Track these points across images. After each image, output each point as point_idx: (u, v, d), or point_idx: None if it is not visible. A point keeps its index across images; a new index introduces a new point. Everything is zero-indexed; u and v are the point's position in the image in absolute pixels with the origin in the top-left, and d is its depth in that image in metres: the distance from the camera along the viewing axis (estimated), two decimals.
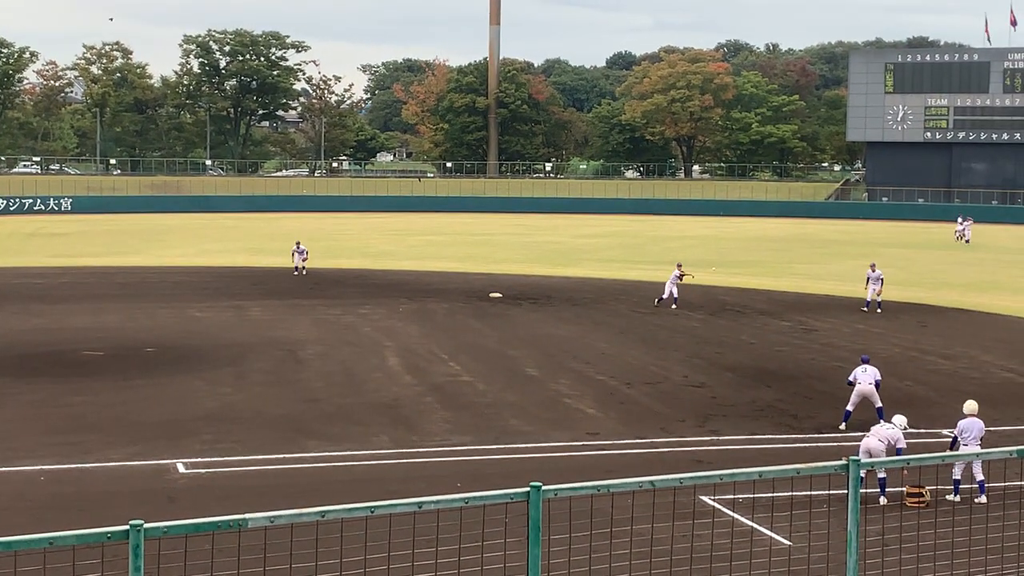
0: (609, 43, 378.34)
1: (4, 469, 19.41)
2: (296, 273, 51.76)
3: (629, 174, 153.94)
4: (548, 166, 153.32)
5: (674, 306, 42.27)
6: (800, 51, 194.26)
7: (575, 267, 58.28)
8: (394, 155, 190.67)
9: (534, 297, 45.53)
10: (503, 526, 9.47)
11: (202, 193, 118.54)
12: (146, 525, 6.93)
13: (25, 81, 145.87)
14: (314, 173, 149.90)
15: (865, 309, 42.19)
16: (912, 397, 26.51)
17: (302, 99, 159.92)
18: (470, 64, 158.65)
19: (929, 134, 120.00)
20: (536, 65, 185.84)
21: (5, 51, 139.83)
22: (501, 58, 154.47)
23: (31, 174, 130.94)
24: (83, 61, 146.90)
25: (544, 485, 7.97)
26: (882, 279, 42.59)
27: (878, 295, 42.49)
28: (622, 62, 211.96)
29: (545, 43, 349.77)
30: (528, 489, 7.91)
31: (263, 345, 33.01)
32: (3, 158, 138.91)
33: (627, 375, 29.15)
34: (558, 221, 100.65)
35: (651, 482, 8.70)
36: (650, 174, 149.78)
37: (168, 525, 7.13)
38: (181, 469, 19.64)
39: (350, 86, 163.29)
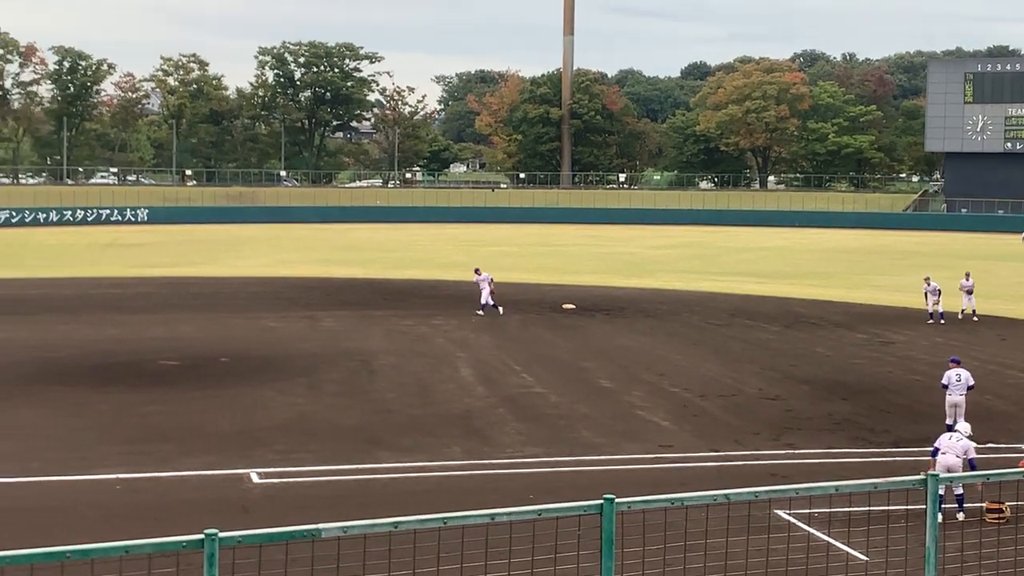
0: (684, 53, 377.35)
1: (81, 477, 19.64)
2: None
3: (703, 185, 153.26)
4: (621, 177, 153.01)
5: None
6: (877, 61, 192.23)
7: (648, 278, 58.00)
8: (467, 166, 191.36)
9: (607, 308, 45.36)
10: (576, 539, 9.38)
11: (276, 204, 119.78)
12: (221, 534, 6.94)
13: (103, 93, 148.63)
14: (387, 184, 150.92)
15: (943, 322, 41.67)
16: (992, 411, 26.02)
17: (376, 110, 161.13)
18: (543, 75, 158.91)
19: (1009, 144, 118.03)
20: (610, 76, 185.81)
21: (83, 63, 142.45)
22: (575, 69, 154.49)
23: (108, 185, 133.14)
24: (160, 73, 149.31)
25: (618, 498, 7.87)
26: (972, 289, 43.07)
27: (971, 305, 42.96)
28: (697, 72, 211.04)
29: (619, 54, 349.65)
30: (602, 501, 7.82)
31: (336, 355, 33.17)
32: (81, 169, 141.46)
33: (701, 387, 28.90)
34: (631, 232, 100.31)
35: (726, 495, 8.56)
36: (724, 185, 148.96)
37: (243, 534, 7.14)
38: (255, 479, 19.74)
39: (423, 97, 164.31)
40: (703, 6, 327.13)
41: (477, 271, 44.19)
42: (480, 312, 42.21)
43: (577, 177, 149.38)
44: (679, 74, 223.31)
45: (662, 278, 58.11)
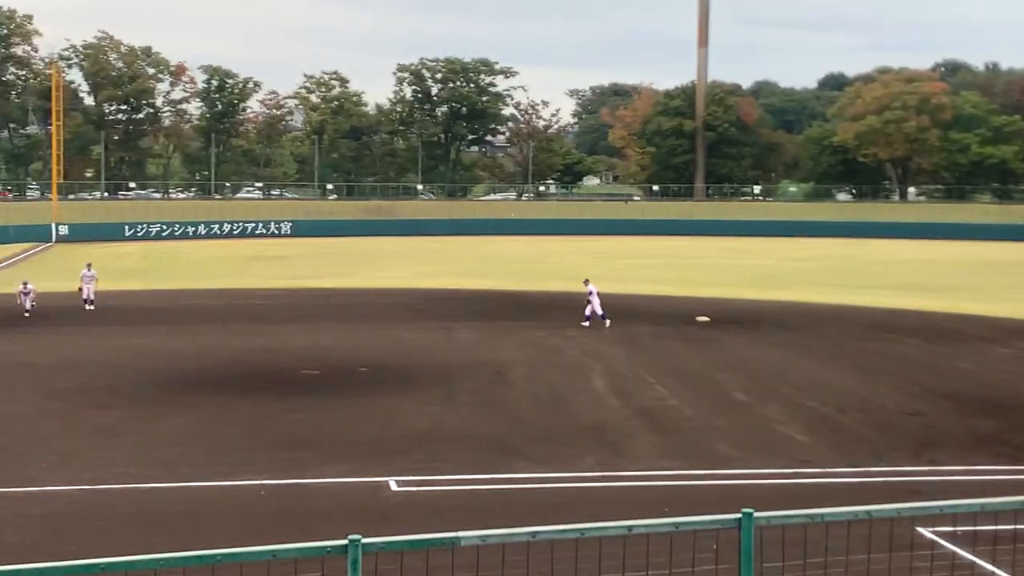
0: (821, 64, 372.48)
1: (228, 483, 20.18)
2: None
3: (841, 196, 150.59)
4: (756, 189, 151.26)
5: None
6: (1022, 70, 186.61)
7: (784, 291, 57.26)
8: (600, 178, 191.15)
9: (742, 321, 44.94)
10: (713, 552, 9.37)
11: (414, 217, 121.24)
12: (364, 540, 7.13)
13: (249, 110, 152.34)
14: (521, 197, 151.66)
15: None
16: None
17: (510, 124, 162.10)
18: (677, 87, 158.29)
19: None
20: (745, 87, 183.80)
21: (231, 82, 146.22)
22: (709, 81, 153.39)
23: (253, 199, 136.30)
24: (303, 90, 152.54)
25: (756, 512, 7.85)
26: None
27: None
28: (834, 83, 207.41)
29: (754, 65, 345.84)
30: (740, 515, 7.81)
31: (471, 366, 33.49)
32: (228, 184, 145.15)
33: (839, 401, 28.46)
34: (767, 244, 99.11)
35: (867, 512, 8.47)
36: (862, 196, 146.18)
37: (385, 541, 7.32)
38: (393, 486, 20.05)
39: (557, 111, 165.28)
40: (841, 16, 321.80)
41: (586, 281, 44.36)
42: (588, 324, 42.37)
43: (711, 189, 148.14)
44: (816, 85, 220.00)
45: (798, 291, 57.30)
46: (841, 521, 8.55)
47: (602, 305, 43.00)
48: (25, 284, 46.32)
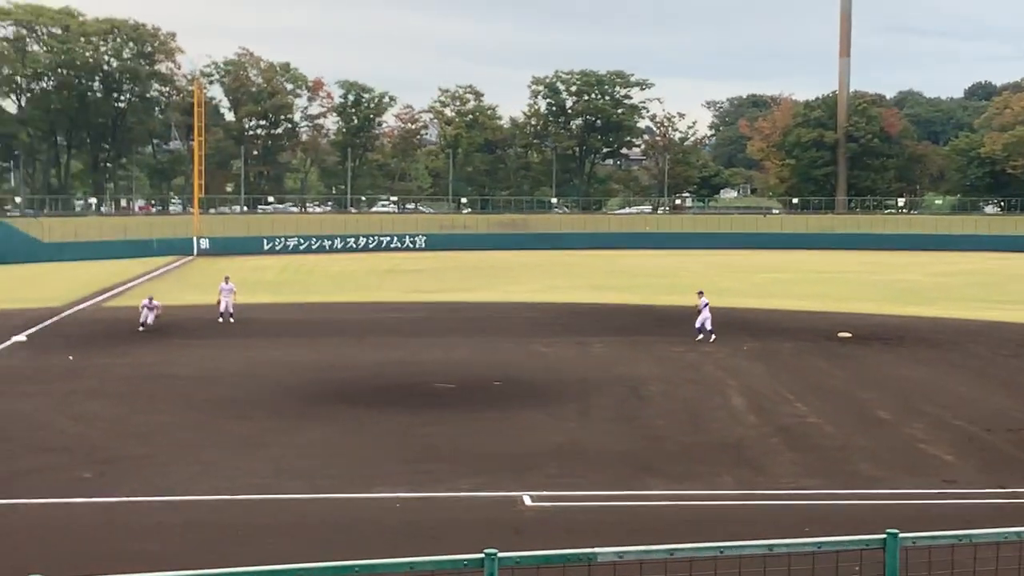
0: (967, 73, 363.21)
1: (364, 495, 20.36)
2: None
3: (988, 209, 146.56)
4: (900, 201, 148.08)
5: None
6: None
7: (929, 306, 55.83)
8: (738, 191, 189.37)
9: (885, 337, 43.90)
10: (856, 574, 9.09)
11: (548, 230, 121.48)
12: (500, 554, 7.07)
13: (384, 124, 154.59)
14: (657, 210, 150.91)
15: None
16: None
17: (646, 136, 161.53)
18: (818, 98, 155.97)
19: None
20: (888, 97, 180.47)
21: (366, 96, 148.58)
22: (851, 91, 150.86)
23: (388, 213, 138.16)
24: (438, 104, 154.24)
25: (901, 532, 7.60)
26: None
27: None
28: (981, 92, 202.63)
29: (898, 75, 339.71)
30: (885, 536, 7.57)
31: (606, 381, 33.30)
32: (363, 198, 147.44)
33: (987, 420, 27.55)
34: (911, 258, 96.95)
35: (1018, 533, 8.14)
36: (1011, 209, 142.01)
37: (520, 555, 7.25)
38: (527, 501, 19.99)
39: (694, 123, 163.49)
40: (988, 24, 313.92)
41: (700, 294, 43.92)
42: (702, 338, 42.06)
43: (853, 202, 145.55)
44: (962, 94, 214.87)
45: (944, 306, 55.82)
46: (990, 543, 8.24)
47: (713, 321, 42.57)
48: (151, 299, 46.20)
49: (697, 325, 42.65)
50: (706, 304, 42.93)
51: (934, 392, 31.81)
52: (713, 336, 42.02)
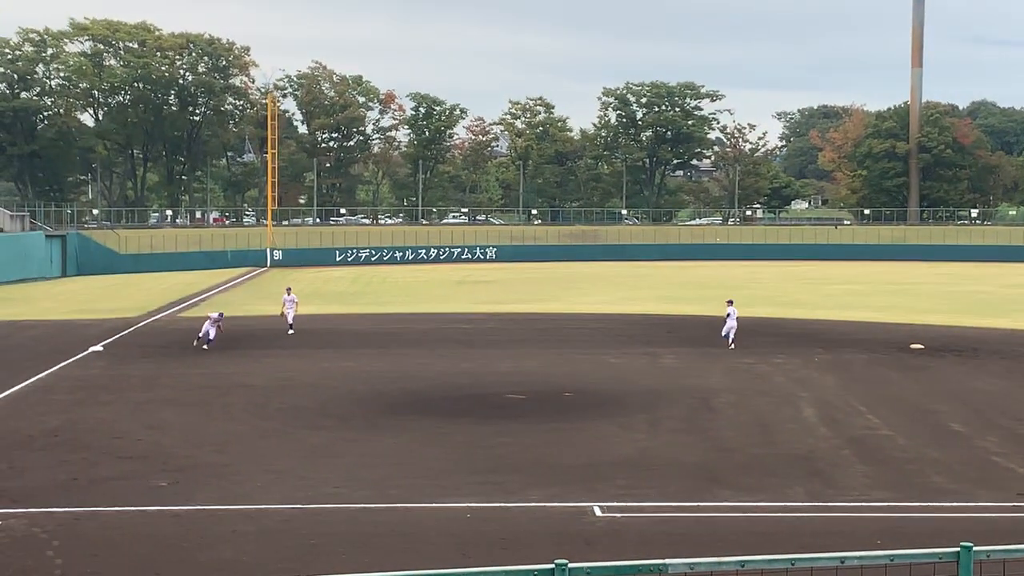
0: None
1: (435, 505, 20.50)
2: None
3: None
4: (974, 212, 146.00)
5: None
6: None
7: (1004, 318, 55.03)
8: (809, 202, 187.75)
9: (959, 349, 43.35)
10: None
11: (618, 242, 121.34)
12: (570, 565, 7.14)
13: (455, 137, 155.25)
14: (727, 221, 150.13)
15: None
16: None
17: (716, 148, 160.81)
18: (890, 109, 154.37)
19: None
20: (961, 107, 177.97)
21: (438, 109, 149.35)
22: (923, 101, 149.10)
23: (459, 224, 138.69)
24: (508, 116, 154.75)
25: (975, 546, 7.57)
26: None
27: None
28: None
29: (971, 85, 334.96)
30: (959, 549, 7.54)
31: (676, 392, 33.22)
32: (435, 210, 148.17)
33: None
34: (985, 270, 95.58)
35: None
36: None
37: (591, 566, 7.31)
38: (597, 512, 20.03)
39: (764, 134, 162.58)
40: None
41: (730, 302, 44.43)
42: (732, 346, 42.87)
43: (925, 213, 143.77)
44: None
45: (1018, 318, 54.98)
46: None
47: (737, 331, 43.37)
48: (221, 315, 45.42)
49: (723, 333, 43.52)
50: (732, 313, 43.82)
51: (1008, 404, 31.38)
52: (732, 345, 42.75)
